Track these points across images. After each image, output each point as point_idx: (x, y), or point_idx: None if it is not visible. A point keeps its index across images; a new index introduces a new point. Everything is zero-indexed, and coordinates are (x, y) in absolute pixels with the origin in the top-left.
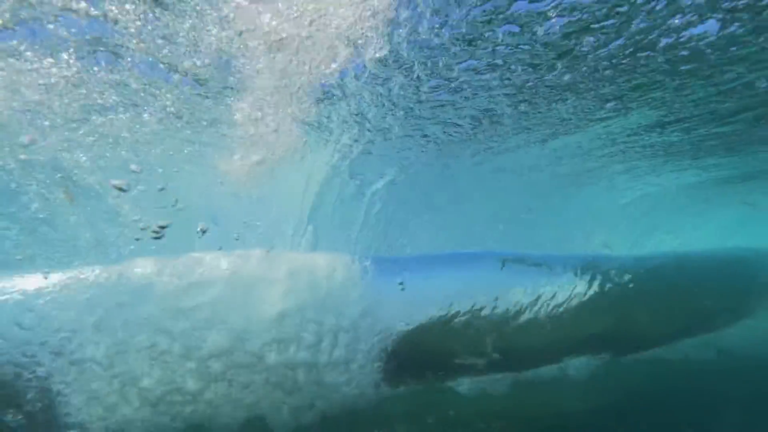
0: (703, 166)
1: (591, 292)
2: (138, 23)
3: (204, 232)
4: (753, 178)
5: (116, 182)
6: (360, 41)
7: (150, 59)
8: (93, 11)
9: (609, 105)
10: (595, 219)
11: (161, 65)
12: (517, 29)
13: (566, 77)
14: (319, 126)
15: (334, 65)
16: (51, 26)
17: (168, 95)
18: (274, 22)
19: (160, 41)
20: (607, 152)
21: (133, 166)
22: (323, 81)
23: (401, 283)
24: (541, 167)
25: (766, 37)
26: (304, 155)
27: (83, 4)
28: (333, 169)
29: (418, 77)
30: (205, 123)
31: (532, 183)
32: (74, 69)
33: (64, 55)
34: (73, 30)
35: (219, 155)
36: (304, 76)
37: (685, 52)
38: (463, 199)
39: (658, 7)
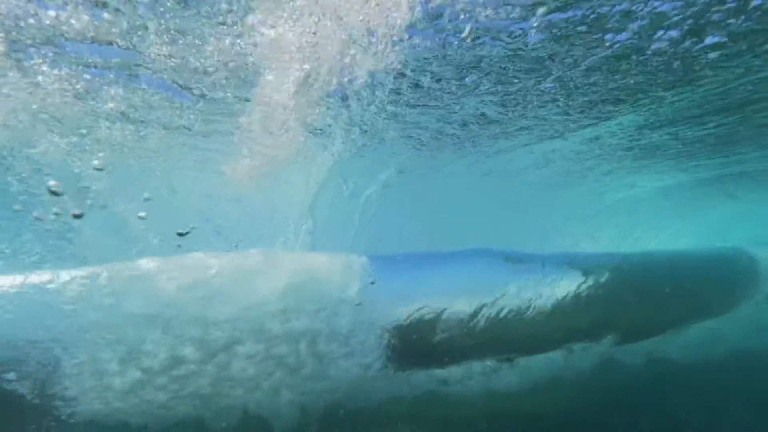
0: (687, 167)
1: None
2: (161, 50)
3: (183, 234)
4: (738, 178)
5: (52, 183)
6: (373, 50)
7: (167, 80)
8: (121, 42)
9: (594, 110)
10: (585, 218)
11: (176, 86)
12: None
13: (552, 85)
14: (320, 130)
15: (346, 77)
16: (65, 48)
17: (180, 111)
18: (290, 35)
19: (174, 62)
20: (596, 154)
21: (95, 162)
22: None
23: (372, 282)
24: (529, 170)
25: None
26: (306, 157)
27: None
28: (329, 171)
29: (410, 83)
30: (215, 133)
31: (524, 184)
32: (84, 83)
33: (74, 71)
34: (93, 53)
35: (226, 161)
36: (320, 85)
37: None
38: (454, 199)
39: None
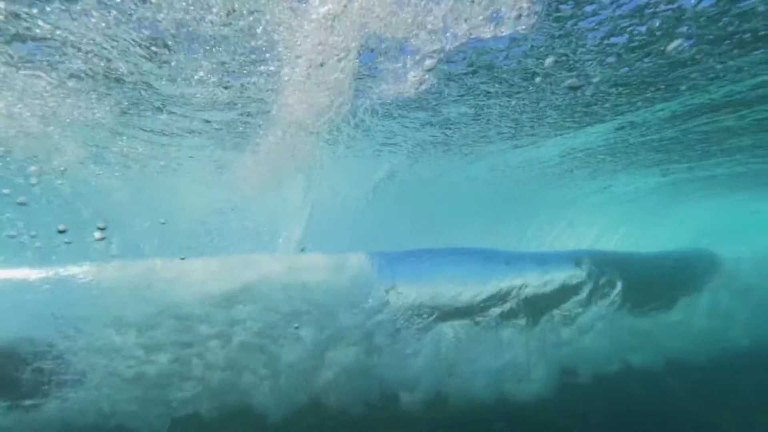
0: (662, 171)
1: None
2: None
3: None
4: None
5: None
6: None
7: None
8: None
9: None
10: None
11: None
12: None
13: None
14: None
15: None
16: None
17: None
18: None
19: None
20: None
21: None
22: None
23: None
24: (509, 174)
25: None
26: (309, 166)
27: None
28: (326, 176)
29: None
30: (232, 148)
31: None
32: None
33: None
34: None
35: (238, 168)
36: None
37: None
38: (441, 200)
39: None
